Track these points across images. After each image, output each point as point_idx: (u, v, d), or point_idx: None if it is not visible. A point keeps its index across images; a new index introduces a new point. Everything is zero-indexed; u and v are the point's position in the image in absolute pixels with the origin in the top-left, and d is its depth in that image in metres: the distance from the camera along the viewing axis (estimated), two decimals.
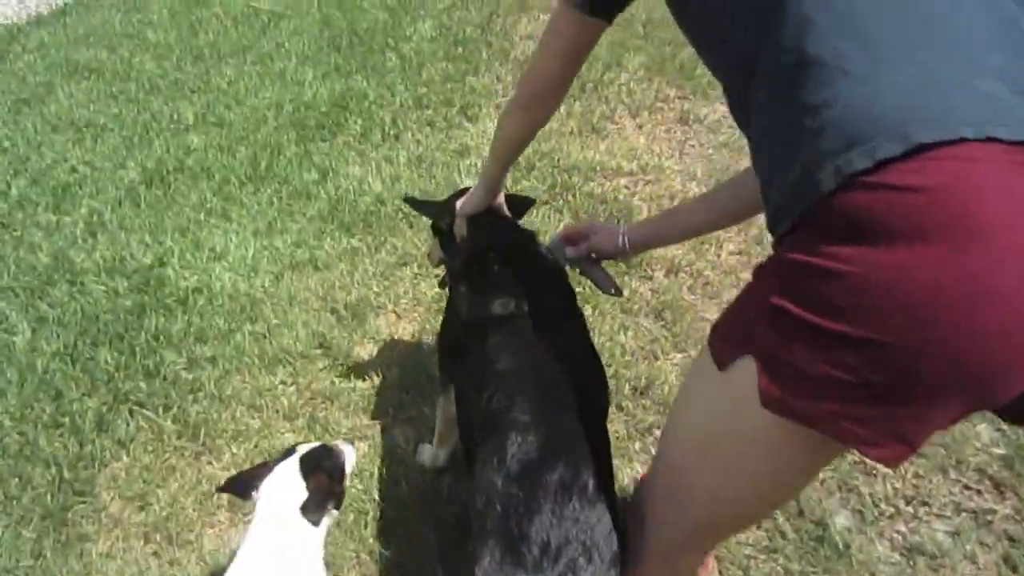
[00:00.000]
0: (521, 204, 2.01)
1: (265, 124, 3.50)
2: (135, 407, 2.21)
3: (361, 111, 3.56)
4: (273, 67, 3.97)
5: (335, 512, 1.51)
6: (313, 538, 1.41)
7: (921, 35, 0.86)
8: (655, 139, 3.49)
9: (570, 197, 3.03)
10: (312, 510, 1.39)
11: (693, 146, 3.46)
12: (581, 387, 1.47)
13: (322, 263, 2.71)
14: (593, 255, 1.73)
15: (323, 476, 1.45)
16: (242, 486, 1.44)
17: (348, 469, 1.59)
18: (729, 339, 1.03)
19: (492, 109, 3.61)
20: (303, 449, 1.51)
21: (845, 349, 0.85)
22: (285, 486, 1.42)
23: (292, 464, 1.45)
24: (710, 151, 3.42)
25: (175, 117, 3.60)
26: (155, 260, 2.72)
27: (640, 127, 3.58)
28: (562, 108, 3.62)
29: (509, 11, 4.49)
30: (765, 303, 0.93)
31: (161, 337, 2.43)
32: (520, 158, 3.25)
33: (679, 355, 2.42)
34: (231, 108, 3.65)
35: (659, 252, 2.81)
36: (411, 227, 2.91)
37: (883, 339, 0.83)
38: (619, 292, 1.77)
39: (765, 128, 0.99)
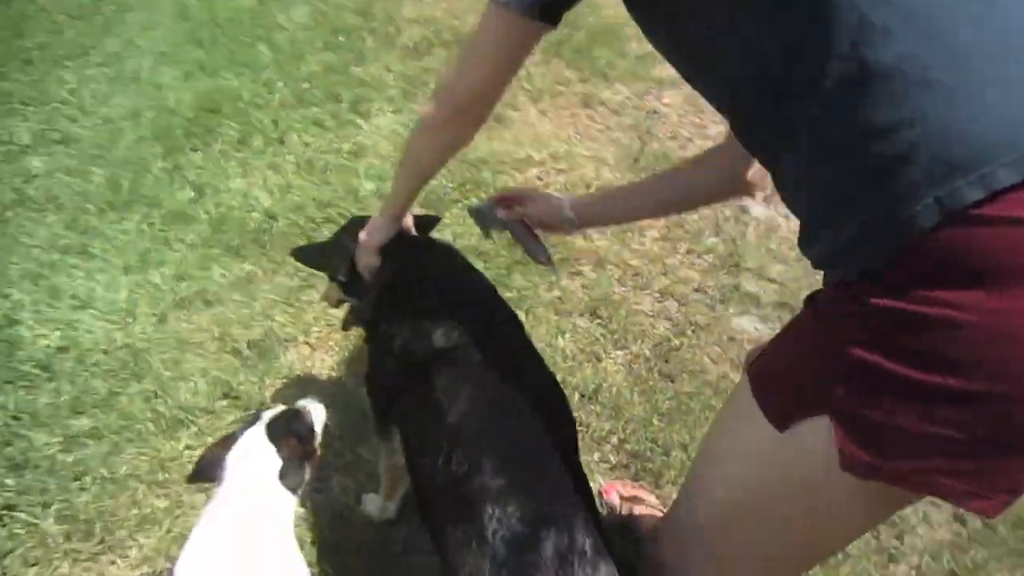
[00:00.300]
0: (428, 223, 1.81)
1: (122, 138, 3.03)
2: (4, 512, 1.80)
3: (236, 113, 3.15)
4: (124, 69, 3.46)
5: (307, 478, 1.43)
6: (286, 508, 1.34)
7: (1003, 47, 0.72)
8: (560, 125, 3.30)
9: (482, 193, 2.79)
10: (290, 476, 1.35)
11: (600, 130, 3.30)
12: (550, 424, 1.28)
13: (213, 296, 2.35)
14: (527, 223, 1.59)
15: (293, 440, 1.40)
16: (211, 468, 1.35)
17: (318, 428, 1.52)
18: (789, 397, 0.89)
19: (385, 103, 3.30)
20: (268, 415, 1.44)
21: (954, 405, 0.73)
22: (255, 455, 1.35)
23: (258, 431, 1.39)
24: (617, 134, 3.27)
25: (7, 138, 3.06)
26: (2, 319, 2.27)
27: (543, 113, 3.38)
28: None
29: None
30: (842, 358, 0.80)
31: (24, 416, 2.00)
32: None
33: (621, 352, 2.28)
34: (76, 121, 3.15)
35: (584, 244, 2.65)
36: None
37: (1006, 392, 0.71)
38: (551, 264, 1.65)
39: (810, 156, 0.82)
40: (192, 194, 2.75)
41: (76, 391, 2.06)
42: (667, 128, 3.33)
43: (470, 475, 1.18)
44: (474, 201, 2.71)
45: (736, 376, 2.22)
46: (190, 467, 1.83)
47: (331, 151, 2.98)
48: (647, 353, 2.24)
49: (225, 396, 2.04)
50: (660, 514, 1.79)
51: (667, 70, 4.06)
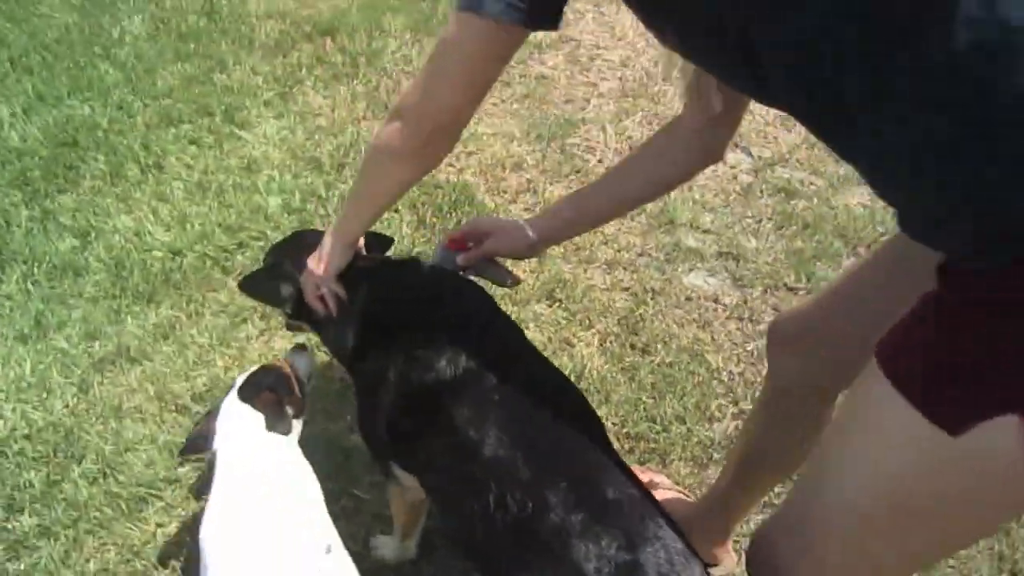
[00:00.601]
0: (383, 243, 1.70)
1: None
2: None
3: (98, 144, 2.81)
4: None
5: (298, 421, 1.51)
6: (285, 450, 1.42)
7: None
8: None
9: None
10: (276, 423, 1.43)
11: (495, 104, 3.22)
12: (588, 432, 1.22)
13: (136, 352, 2.09)
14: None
15: (267, 393, 1.46)
16: (201, 440, 1.44)
17: (304, 374, 1.59)
18: (966, 401, 0.80)
19: (262, 107, 3.05)
20: (240, 379, 1.51)
21: None
22: (236, 418, 1.43)
23: (232, 396, 1.46)
24: (514, 106, 3.21)
25: None
26: None
27: None
28: (343, 90, 3.19)
29: None
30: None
31: None
32: (324, 156, 2.82)
33: (588, 333, 2.24)
34: None
35: None
36: (226, 272, 2.36)
37: None
38: (516, 280, 1.59)
39: (944, 135, 0.74)
40: (74, 242, 2.43)
41: (6, 489, 1.78)
42: (559, 92, 3.30)
43: (537, 514, 1.08)
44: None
45: (704, 336, 2.23)
46: (167, 547, 1.67)
47: (220, 170, 2.73)
48: (615, 329, 2.22)
49: (187, 462, 1.82)
50: (683, 496, 1.77)
51: (539, 32, 4.04)
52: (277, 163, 2.76)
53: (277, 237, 2.44)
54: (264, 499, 1.30)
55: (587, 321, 2.27)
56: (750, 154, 3.01)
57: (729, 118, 1.18)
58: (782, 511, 1.13)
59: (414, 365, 1.30)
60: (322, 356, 2.05)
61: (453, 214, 2.56)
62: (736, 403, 2.06)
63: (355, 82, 3.24)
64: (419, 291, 1.46)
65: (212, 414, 1.47)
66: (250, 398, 1.45)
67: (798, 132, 3.07)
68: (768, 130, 3.12)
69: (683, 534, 1.07)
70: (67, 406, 1.96)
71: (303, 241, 1.60)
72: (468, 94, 1.10)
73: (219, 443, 1.41)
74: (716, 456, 1.92)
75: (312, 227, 2.33)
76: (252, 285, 1.63)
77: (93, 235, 2.46)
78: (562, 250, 2.50)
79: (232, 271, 2.34)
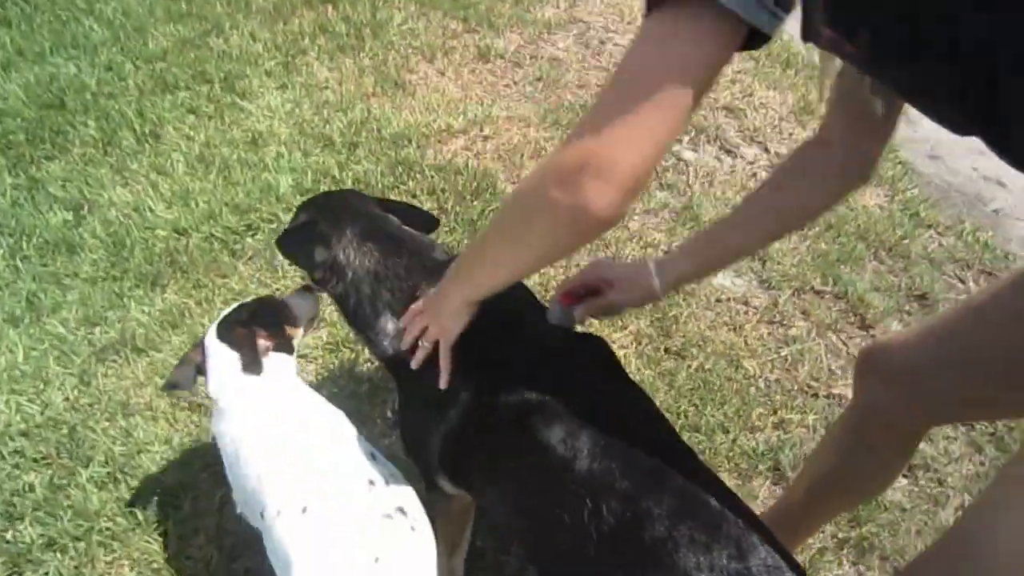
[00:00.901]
0: (428, 222, 1.53)
1: None
2: None
3: (87, 107, 2.60)
4: None
5: (288, 359, 1.43)
6: (272, 382, 1.36)
7: None
8: (465, 84, 3.05)
9: (417, 175, 2.51)
10: (248, 364, 1.35)
11: (508, 86, 3.09)
12: (678, 445, 1.18)
13: (143, 341, 1.93)
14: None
15: (241, 330, 1.39)
16: (182, 378, 1.39)
17: (303, 316, 1.50)
18: None
19: (265, 78, 2.87)
20: (222, 314, 1.45)
21: None
22: (217, 358, 1.37)
23: (211, 335, 1.40)
24: (527, 88, 3.08)
25: None
26: None
27: (442, 73, 3.11)
28: (349, 63, 3.03)
29: None
30: None
31: None
32: (334, 133, 2.66)
33: (622, 334, 2.14)
34: None
35: None
36: (234, 255, 2.20)
37: None
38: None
39: None
40: (67, 215, 2.23)
41: (4, 493, 1.62)
42: (573, 76, 3.18)
43: (641, 525, 1.02)
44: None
45: (738, 340, 2.16)
46: (192, 567, 1.54)
47: (224, 143, 2.55)
48: (648, 331, 2.13)
49: (207, 466, 1.68)
50: None
51: (547, 10, 3.93)
52: (284, 139, 2.59)
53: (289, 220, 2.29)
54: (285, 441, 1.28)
55: (619, 321, 2.17)
56: (767, 150, 2.94)
57: (882, 132, 1.08)
58: (939, 552, 1.06)
59: (495, 386, 1.21)
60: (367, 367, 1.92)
61: (475, 201, 2.43)
62: (775, 411, 2.00)
63: (361, 55, 3.07)
64: (495, 307, 1.34)
65: (196, 347, 1.42)
66: (225, 335, 1.39)
67: (812, 128, 3.01)
68: (784, 125, 3.04)
69: (780, 543, 1.02)
70: (67, 399, 1.80)
71: (342, 204, 1.47)
72: (676, 127, 0.82)
73: (212, 386, 1.37)
74: (761, 467, 1.86)
75: None
76: (289, 243, 1.46)
77: (87, 208, 2.27)
78: (589, 245, 2.40)
79: (243, 255, 2.18)
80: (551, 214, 0.89)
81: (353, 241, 1.39)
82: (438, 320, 1.21)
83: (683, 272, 1.26)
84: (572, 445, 1.12)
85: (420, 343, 1.24)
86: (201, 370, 1.39)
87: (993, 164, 1.50)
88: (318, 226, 1.42)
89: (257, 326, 1.41)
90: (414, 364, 1.26)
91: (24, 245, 2.13)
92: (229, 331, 1.39)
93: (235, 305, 1.47)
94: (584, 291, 1.28)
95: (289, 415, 1.33)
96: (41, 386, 1.82)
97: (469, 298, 1.15)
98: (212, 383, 1.37)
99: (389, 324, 1.36)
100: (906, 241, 2.59)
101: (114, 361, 1.89)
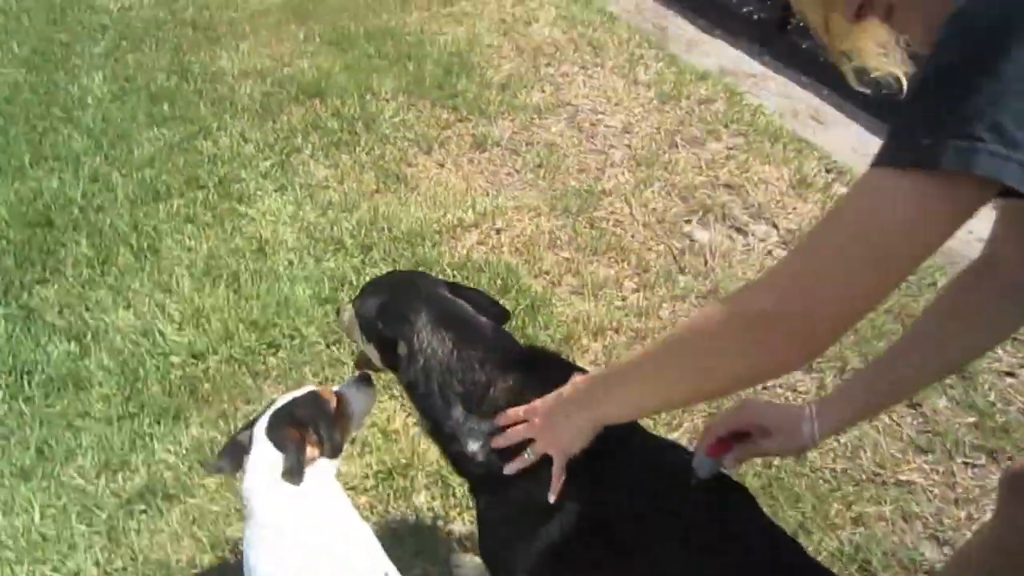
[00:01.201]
0: (499, 314, 1.41)
1: None
2: None
3: (77, 223, 2.43)
4: None
5: (331, 462, 1.33)
6: (318, 488, 1.28)
7: None
8: (466, 175, 2.99)
9: (438, 273, 2.40)
10: (289, 471, 1.25)
11: (509, 174, 3.04)
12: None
13: (175, 487, 1.74)
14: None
15: (292, 430, 1.29)
16: (231, 462, 1.30)
17: (358, 413, 1.41)
18: None
19: (260, 179, 2.75)
20: (279, 403, 1.35)
21: None
22: (259, 455, 1.27)
23: (260, 427, 1.30)
24: (529, 176, 3.04)
25: None
26: None
27: (442, 164, 3.04)
28: (346, 159, 2.95)
29: (196, 46, 3.49)
30: None
31: None
32: (344, 236, 2.54)
33: (663, 429, 2.04)
34: None
35: (564, 310, 2.38)
36: (256, 377, 2.04)
37: None
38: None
39: None
40: (69, 346, 2.04)
41: None
42: (572, 161, 3.15)
43: None
44: None
45: None
46: None
47: (228, 253, 2.40)
48: (698, 423, 2.04)
49: None
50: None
51: (533, 95, 3.93)
52: (292, 244, 2.47)
53: (313, 333, 2.15)
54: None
55: (674, 420, 2.08)
56: (775, 226, 2.95)
57: None
58: None
59: (591, 498, 1.14)
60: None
61: (503, 298, 2.33)
62: (850, 506, 1.92)
63: (357, 150, 2.98)
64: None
65: (247, 428, 1.33)
66: (274, 434, 1.30)
67: (814, 202, 3.04)
68: (786, 200, 3.07)
69: None
70: (98, 564, 1.59)
71: (418, 289, 1.34)
72: (889, 285, 0.75)
73: (246, 483, 1.27)
74: (852, 569, 1.77)
75: None
76: (378, 321, 1.32)
77: (90, 336, 2.08)
78: (624, 338, 2.32)
79: (267, 376, 2.03)
80: (730, 362, 0.83)
81: (428, 326, 1.27)
82: (556, 435, 1.12)
83: (840, 420, 1.14)
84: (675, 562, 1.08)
85: (525, 453, 1.14)
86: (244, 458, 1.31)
87: None
88: (406, 321, 1.29)
89: (311, 428, 1.32)
90: (508, 470, 1.16)
91: (26, 385, 1.93)
92: (279, 429, 1.31)
93: (292, 396, 1.37)
94: (731, 436, 1.16)
95: (316, 540, 1.24)
96: (66, 550, 1.61)
97: (599, 422, 1.07)
98: (247, 480, 1.28)
99: (476, 425, 1.24)
100: None
101: (144, 512, 1.69)
